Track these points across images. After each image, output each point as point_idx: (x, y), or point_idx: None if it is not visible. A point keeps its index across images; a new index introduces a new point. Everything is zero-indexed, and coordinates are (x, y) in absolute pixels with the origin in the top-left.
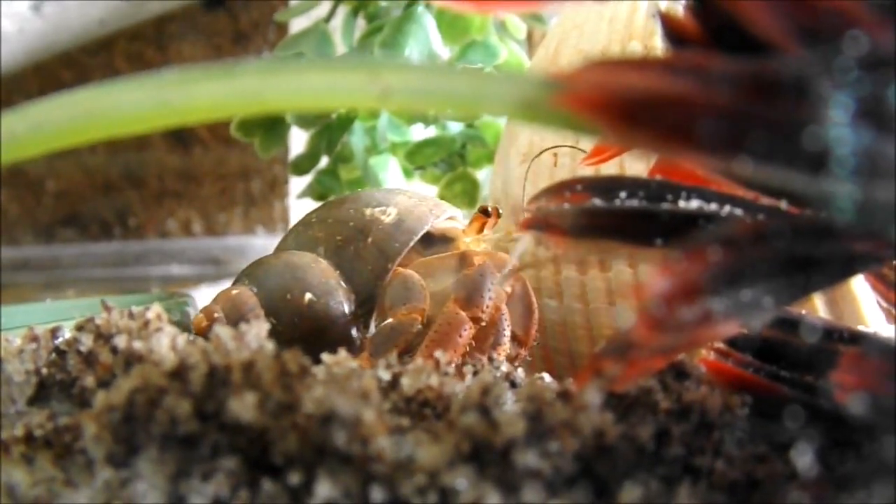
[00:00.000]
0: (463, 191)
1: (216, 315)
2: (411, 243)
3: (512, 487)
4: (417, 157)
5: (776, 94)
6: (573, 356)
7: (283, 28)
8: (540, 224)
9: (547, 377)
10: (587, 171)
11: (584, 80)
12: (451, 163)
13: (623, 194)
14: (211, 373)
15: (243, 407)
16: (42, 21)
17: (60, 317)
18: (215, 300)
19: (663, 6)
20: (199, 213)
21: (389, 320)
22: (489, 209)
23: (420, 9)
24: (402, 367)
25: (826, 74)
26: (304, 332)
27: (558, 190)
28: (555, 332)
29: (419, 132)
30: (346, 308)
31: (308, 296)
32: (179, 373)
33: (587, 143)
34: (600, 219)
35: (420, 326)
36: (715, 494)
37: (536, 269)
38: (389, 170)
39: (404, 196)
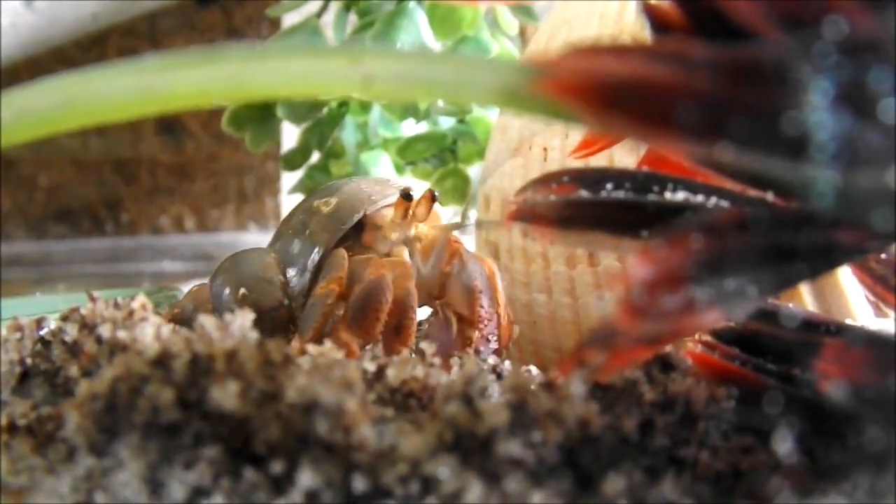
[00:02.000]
0: (454, 186)
1: (176, 309)
2: (339, 234)
3: (494, 477)
4: (409, 153)
5: (756, 79)
6: (562, 351)
7: (276, 23)
8: (527, 215)
9: (534, 369)
10: (576, 165)
11: (564, 66)
12: (442, 158)
13: (609, 186)
14: (193, 361)
15: (225, 395)
16: (35, 15)
17: (50, 310)
18: (186, 294)
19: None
20: (192, 209)
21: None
22: (410, 193)
23: (412, 4)
24: (388, 359)
25: (806, 59)
26: None
27: (545, 182)
28: (543, 327)
29: (410, 128)
30: (279, 300)
31: (242, 290)
32: (162, 361)
33: (576, 137)
34: (587, 210)
35: (335, 296)
36: (699, 485)
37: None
38: (381, 165)
39: (358, 184)
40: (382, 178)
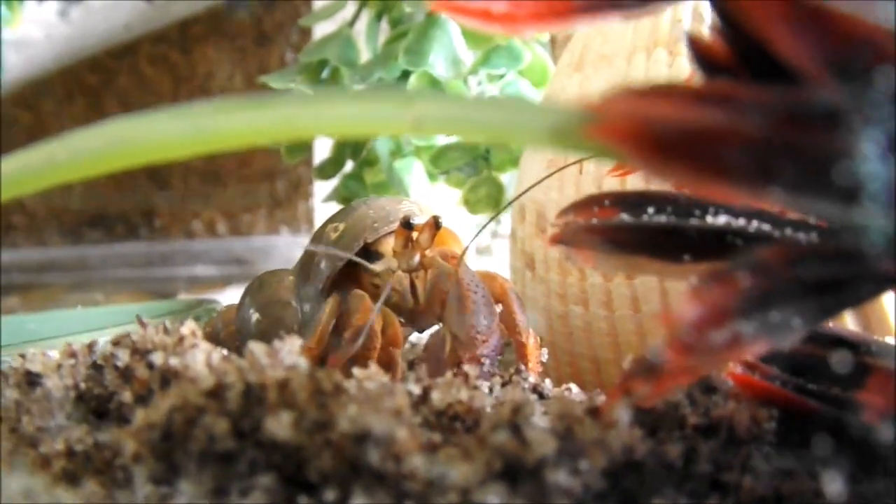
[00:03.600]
0: (487, 195)
1: (208, 328)
2: (337, 268)
3: None
4: (442, 162)
5: (807, 126)
6: (598, 362)
7: (306, 30)
8: (568, 239)
9: (574, 388)
10: (612, 179)
11: (614, 111)
12: (475, 166)
13: (651, 209)
14: (247, 391)
15: (279, 426)
16: (69, 27)
17: (92, 324)
18: (217, 314)
19: (688, 17)
20: (224, 213)
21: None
22: (411, 222)
23: (444, 14)
24: (432, 381)
25: (857, 108)
26: None
27: (586, 204)
28: (580, 339)
29: (444, 136)
30: (290, 325)
31: (255, 316)
32: (217, 392)
33: None
34: (628, 234)
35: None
36: None
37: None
38: (414, 173)
39: (367, 208)
40: (399, 199)
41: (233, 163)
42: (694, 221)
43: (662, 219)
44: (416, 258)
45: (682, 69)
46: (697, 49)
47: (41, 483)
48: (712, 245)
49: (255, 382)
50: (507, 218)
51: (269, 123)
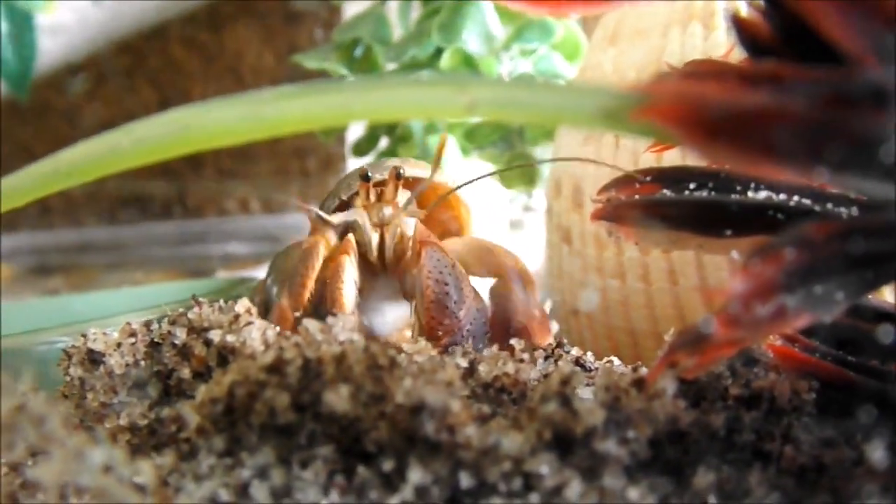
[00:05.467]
0: (522, 170)
1: None
2: (319, 221)
3: (592, 473)
4: (476, 137)
5: (854, 105)
6: (635, 335)
7: (335, 8)
8: (611, 214)
9: (616, 360)
10: (648, 154)
11: (665, 93)
12: (509, 141)
13: (692, 185)
14: (305, 366)
15: (338, 398)
16: (101, 11)
17: (137, 304)
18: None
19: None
20: (257, 191)
21: None
22: (368, 174)
23: None
24: (479, 355)
25: None
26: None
27: (627, 180)
28: (617, 312)
29: None
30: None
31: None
32: (277, 366)
33: None
34: (670, 209)
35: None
36: (784, 479)
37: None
38: (447, 149)
39: (371, 166)
40: (411, 160)
41: (264, 140)
42: (735, 196)
43: (704, 194)
44: (386, 212)
45: (718, 43)
46: (741, 29)
47: (121, 455)
48: (753, 219)
49: (312, 357)
50: (539, 192)
51: (326, 110)
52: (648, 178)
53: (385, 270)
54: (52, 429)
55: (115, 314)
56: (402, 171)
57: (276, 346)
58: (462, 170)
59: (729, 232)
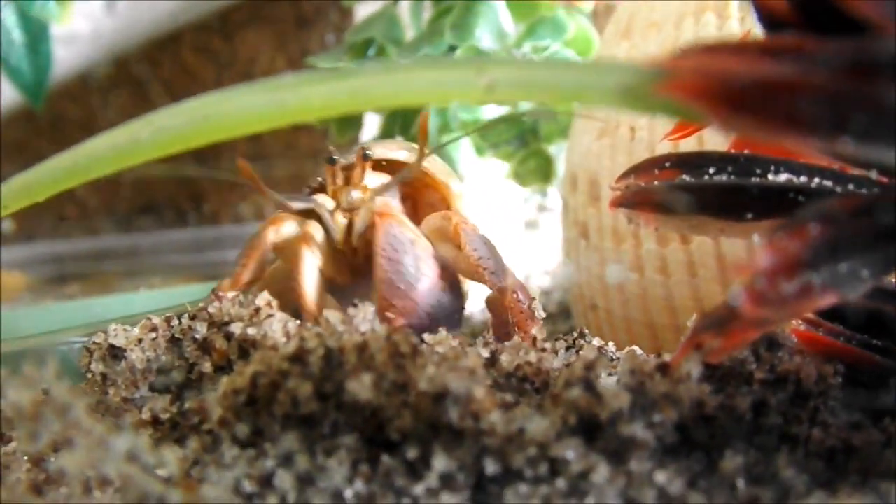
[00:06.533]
0: (537, 167)
1: None
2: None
3: (619, 457)
4: (490, 135)
5: (877, 75)
6: (654, 328)
7: (345, 12)
8: (630, 201)
9: (638, 350)
10: (665, 145)
11: (686, 68)
12: (523, 139)
13: (712, 169)
14: (327, 355)
15: (361, 387)
16: (115, 19)
17: (155, 305)
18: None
19: None
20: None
21: None
22: (333, 157)
23: None
24: (500, 345)
25: None
26: None
27: (647, 167)
28: (635, 305)
29: (490, 110)
30: None
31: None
32: (299, 356)
33: (663, 118)
34: (690, 194)
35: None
36: (813, 462)
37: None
38: (461, 148)
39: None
40: (400, 143)
41: (278, 145)
42: (755, 179)
43: (723, 178)
44: (354, 195)
45: (732, 33)
46: (761, 5)
47: (146, 444)
48: (774, 202)
49: (334, 347)
50: (553, 191)
51: (346, 93)
52: (667, 164)
53: (356, 257)
54: (77, 417)
55: (134, 315)
56: (369, 151)
57: (297, 337)
58: (476, 168)
59: (750, 215)
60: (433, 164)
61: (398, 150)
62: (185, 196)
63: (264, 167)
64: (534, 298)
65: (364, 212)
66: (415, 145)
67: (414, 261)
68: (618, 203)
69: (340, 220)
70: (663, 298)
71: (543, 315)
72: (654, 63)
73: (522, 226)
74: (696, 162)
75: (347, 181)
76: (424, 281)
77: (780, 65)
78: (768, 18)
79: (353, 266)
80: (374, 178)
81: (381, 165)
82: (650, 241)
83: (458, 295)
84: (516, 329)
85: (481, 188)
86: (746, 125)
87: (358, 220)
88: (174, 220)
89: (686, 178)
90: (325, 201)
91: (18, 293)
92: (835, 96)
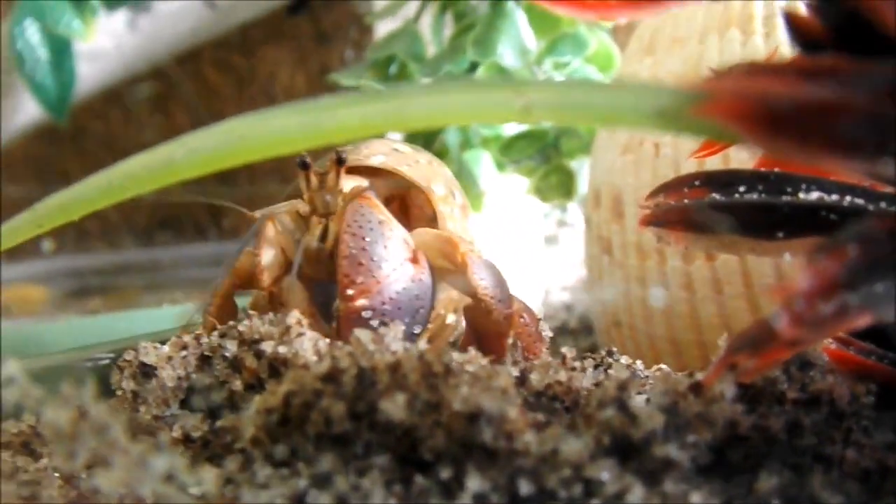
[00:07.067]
0: (559, 182)
1: None
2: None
3: (654, 478)
4: (512, 151)
5: None
6: (678, 344)
7: (365, 28)
8: (660, 219)
9: (665, 367)
10: (690, 161)
11: (725, 90)
12: (545, 155)
13: (742, 188)
14: (360, 374)
15: (395, 406)
16: (137, 36)
17: (177, 321)
18: None
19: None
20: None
21: None
22: (305, 160)
23: (510, 4)
24: (529, 364)
25: None
26: None
27: (676, 185)
28: (658, 321)
29: (512, 126)
30: None
31: None
32: (332, 376)
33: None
34: (726, 213)
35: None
36: (848, 483)
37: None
38: (482, 164)
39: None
40: (380, 142)
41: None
42: (786, 198)
43: (754, 197)
44: (328, 199)
45: (756, 49)
46: (794, 26)
47: (183, 463)
48: (806, 221)
49: (367, 366)
50: (573, 207)
51: (382, 115)
52: (697, 183)
53: (333, 260)
54: (115, 437)
55: (163, 332)
56: (343, 155)
57: (329, 356)
58: (498, 184)
59: (781, 234)
60: (415, 170)
61: (376, 155)
62: (205, 211)
63: (284, 184)
64: (540, 319)
65: (339, 215)
66: (396, 145)
67: (381, 240)
68: (647, 221)
69: (317, 224)
70: (688, 315)
71: (550, 335)
72: (691, 85)
73: (542, 241)
74: (725, 180)
75: (322, 185)
76: (391, 262)
77: (820, 87)
78: (802, 39)
79: (330, 267)
80: (350, 182)
81: (357, 169)
82: (675, 258)
83: (427, 289)
84: (525, 351)
85: (501, 203)
86: (786, 148)
87: (333, 225)
88: (194, 235)
89: (716, 196)
90: (300, 206)
91: (39, 307)
92: (876, 118)
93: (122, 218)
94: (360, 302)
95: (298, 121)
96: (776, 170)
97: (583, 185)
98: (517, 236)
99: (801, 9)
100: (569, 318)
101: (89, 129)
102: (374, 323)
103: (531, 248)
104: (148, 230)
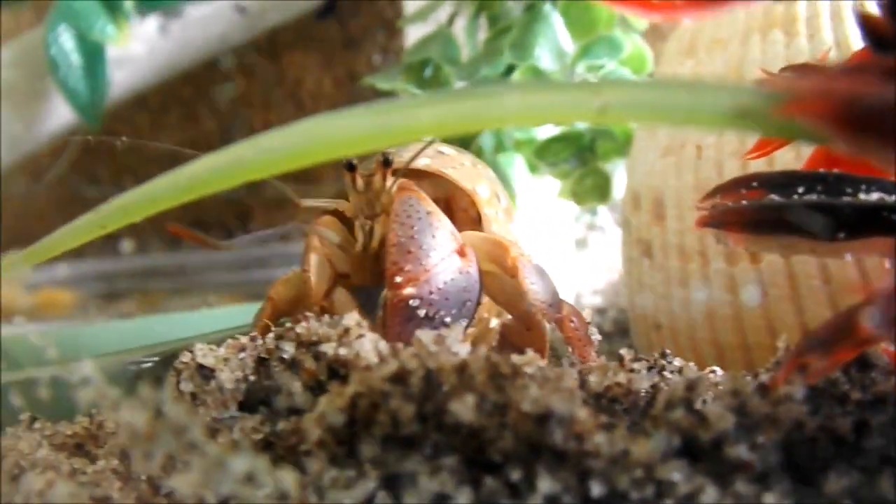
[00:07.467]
0: (594, 185)
1: None
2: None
3: (724, 480)
4: (547, 154)
5: None
6: (721, 347)
7: (393, 33)
8: (718, 221)
9: (718, 370)
10: (733, 163)
11: (808, 90)
12: (580, 157)
13: (801, 189)
14: (427, 376)
15: (465, 408)
16: (169, 41)
17: (217, 324)
18: None
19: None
20: (316, 216)
21: None
22: (352, 162)
23: (547, 6)
24: (587, 366)
25: None
26: None
27: (733, 187)
28: (702, 325)
29: (545, 129)
30: None
31: None
32: (400, 377)
33: (731, 135)
34: (780, 214)
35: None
36: None
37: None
38: (516, 167)
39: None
40: (434, 142)
41: (326, 164)
42: (847, 198)
43: (813, 197)
44: (375, 201)
45: (800, 50)
46: (867, 25)
47: (264, 464)
48: (867, 221)
49: (434, 367)
50: (603, 210)
51: (455, 116)
52: (754, 184)
53: (378, 263)
54: (194, 437)
55: (196, 335)
56: (389, 156)
57: (393, 357)
58: (530, 187)
59: (842, 234)
60: (459, 172)
61: (421, 157)
62: (232, 215)
63: (312, 187)
64: (589, 323)
65: (384, 217)
66: (441, 148)
67: (429, 230)
68: (705, 223)
69: (362, 225)
70: (732, 318)
71: (599, 338)
72: (772, 85)
73: (573, 245)
74: (783, 181)
75: (368, 186)
76: (439, 252)
77: None
78: (875, 38)
79: (375, 270)
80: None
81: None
82: (718, 259)
83: (474, 283)
84: (576, 355)
85: (533, 207)
86: (872, 147)
87: (378, 227)
88: (221, 238)
89: (774, 197)
90: (346, 207)
91: (67, 311)
92: None
93: (149, 222)
94: (408, 290)
95: (371, 121)
96: (835, 171)
97: (616, 188)
98: (548, 240)
99: (873, 8)
100: (602, 322)
101: (118, 134)
102: (422, 312)
103: (562, 252)
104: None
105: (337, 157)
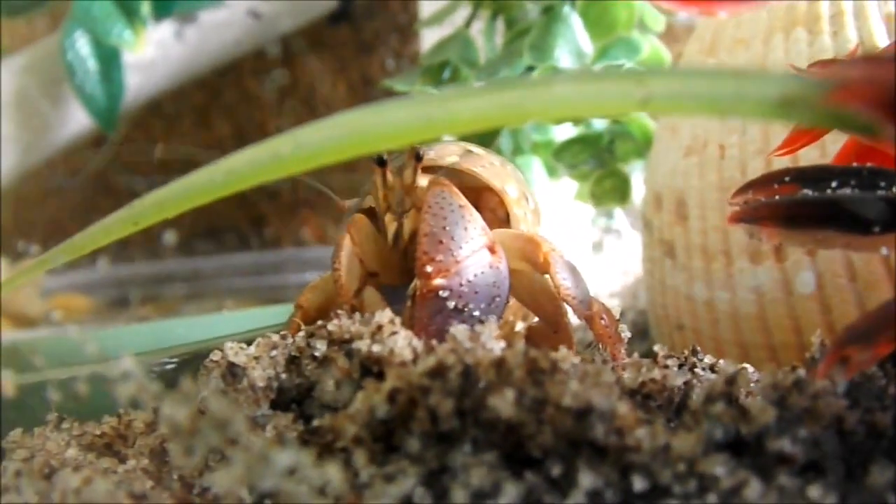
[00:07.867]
0: (613, 187)
1: None
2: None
3: (766, 473)
4: (565, 156)
5: None
6: (746, 347)
7: (406, 37)
8: (751, 216)
9: (749, 367)
10: (756, 162)
11: (857, 78)
12: (600, 159)
13: (834, 183)
14: (465, 371)
15: (504, 403)
16: (184, 47)
17: (238, 327)
18: None
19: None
20: (333, 220)
21: None
22: (383, 157)
23: (566, 8)
24: (620, 362)
25: None
26: None
27: (765, 182)
28: (726, 325)
29: (564, 130)
30: None
31: None
32: (438, 372)
33: (754, 134)
34: (814, 208)
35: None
36: None
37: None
38: (534, 169)
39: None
40: (458, 143)
41: (339, 169)
42: (881, 192)
43: (847, 191)
44: (405, 197)
45: (824, 48)
46: None
47: (308, 459)
48: None
49: (472, 363)
50: (619, 213)
51: (498, 108)
52: (787, 179)
53: (407, 259)
54: (237, 432)
55: (216, 338)
56: (420, 152)
57: (431, 352)
58: (547, 190)
59: (877, 228)
60: (489, 171)
61: (449, 156)
62: (247, 220)
63: (326, 193)
64: (618, 320)
65: (414, 213)
66: (469, 147)
67: (461, 222)
68: (738, 218)
69: (391, 221)
70: (756, 318)
71: (629, 335)
72: (821, 74)
73: (589, 247)
74: (817, 176)
75: (398, 181)
76: (471, 245)
77: None
78: None
79: (404, 267)
80: (425, 180)
81: (430, 169)
82: (742, 259)
83: (504, 280)
84: (607, 353)
85: (550, 209)
86: None
87: (408, 223)
88: (236, 243)
89: (807, 192)
90: (375, 202)
91: (82, 316)
92: None
93: (164, 227)
94: (439, 281)
95: (412, 112)
96: (869, 164)
97: (637, 189)
98: (566, 242)
99: None
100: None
101: (132, 140)
102: (451, 304)
103: (578, 255)
104: (189, 240)
105: (375, 151)
